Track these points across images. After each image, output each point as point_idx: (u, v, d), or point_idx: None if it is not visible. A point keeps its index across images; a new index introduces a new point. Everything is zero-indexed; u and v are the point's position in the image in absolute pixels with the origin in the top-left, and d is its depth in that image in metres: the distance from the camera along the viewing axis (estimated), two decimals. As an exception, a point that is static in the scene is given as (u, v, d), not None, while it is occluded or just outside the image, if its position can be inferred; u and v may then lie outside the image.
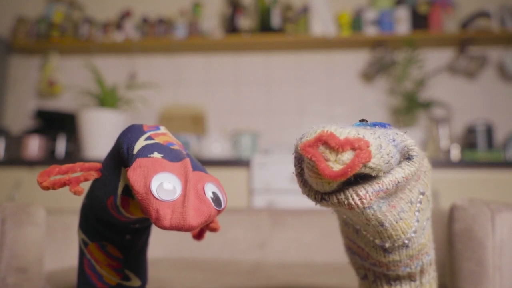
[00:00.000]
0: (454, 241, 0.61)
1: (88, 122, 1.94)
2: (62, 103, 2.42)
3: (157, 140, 0.44)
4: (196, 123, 2.24)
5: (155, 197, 0.37)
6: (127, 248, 0.53)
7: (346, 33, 2.19)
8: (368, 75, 2.24)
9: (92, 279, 0.52)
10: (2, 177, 1.86)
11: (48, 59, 2.39)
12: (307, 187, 0.40)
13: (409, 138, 0.39)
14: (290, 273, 0.84)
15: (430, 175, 0.47)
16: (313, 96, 2.32)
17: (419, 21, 2.17)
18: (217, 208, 0.39)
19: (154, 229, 1.09)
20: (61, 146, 2.12)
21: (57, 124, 2.21)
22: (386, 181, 0.37)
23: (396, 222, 0.41)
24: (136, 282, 0.54)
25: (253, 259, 1.07)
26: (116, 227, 0.51)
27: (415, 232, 0.43)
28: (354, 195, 0.36)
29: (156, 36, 2.30)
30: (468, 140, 2.03)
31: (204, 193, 0.39)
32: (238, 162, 1.78)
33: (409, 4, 2.21)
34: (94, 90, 2.14)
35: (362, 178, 0.38)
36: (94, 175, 0.45)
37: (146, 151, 0.41)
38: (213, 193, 0.40)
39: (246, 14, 2.27)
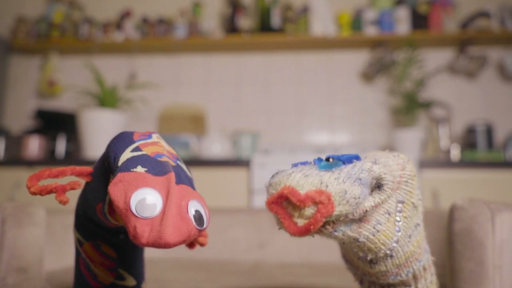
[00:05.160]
0: (454, 241, 0.61)
1: (88, 122, 1.94)
2: (62, 103, 2.42)
3: (145, 151, 0.43)
4: (196, 123, 2.24)
5: (133, 214, 0.37)
6: (121, 247, 0.53)
7: (346, 33, 2.19)
8: (368, 75, 2.24)
9: (87, 278, 0.52)
10: (2, 177, 1.86)
11: (48, 59, 2.39)
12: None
13: (377, 168, 0.39)
14: (290, 273, 0.84)
15: (416, 182, 0.46)
16: (313, 96, 2.32)
17: (419, 21, 2.17)
18: (198, 228, 0.38)
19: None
20: (61, 146, 2.12)
21: (57, 124, 2.21)
22: (355, 212, 0.38)
23: (373, 235, 0.41)
24: (130, 281, 0.54)
25: (253, 259, 1.07)
26: (109, 228, 0.51)
27: (397, 242, 0.43)
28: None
29: (156, 36, 2.30)
30: (468, 140, 2.03)
31: (187, 210, 0.38)
32: (238, 162, 1.78)
33: (409, 4, 2.21)
34: (94, 90, 2.14)
35: None
36: (80, 184, 0.44)
37: (129, 164, 0.40)
38: (196, 211, 0.39)
39: (246, 14, 2.27)
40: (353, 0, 2.36)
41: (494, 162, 1.69)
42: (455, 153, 2.04)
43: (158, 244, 0.36)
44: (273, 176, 0.39)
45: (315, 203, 0.34)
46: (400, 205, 0.44)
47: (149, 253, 1.07)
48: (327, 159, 0.40)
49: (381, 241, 0.42)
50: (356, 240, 0.41)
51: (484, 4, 2.25)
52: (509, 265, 0.57)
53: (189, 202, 0.39)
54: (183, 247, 1.09)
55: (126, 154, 0.42)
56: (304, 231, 0.34)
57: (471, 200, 0.61)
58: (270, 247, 1.08)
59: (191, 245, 0.54)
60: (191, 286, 0.71)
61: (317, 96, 2.31)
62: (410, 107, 2.03)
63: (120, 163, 0.41)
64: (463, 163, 1.70)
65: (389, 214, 0.42)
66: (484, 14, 2.10)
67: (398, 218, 0.43)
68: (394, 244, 0.43)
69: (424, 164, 1.71)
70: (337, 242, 0.46)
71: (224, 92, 2.37)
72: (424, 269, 0.48)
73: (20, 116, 2.44)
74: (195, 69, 2.40)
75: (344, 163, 0.39)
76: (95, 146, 1.94)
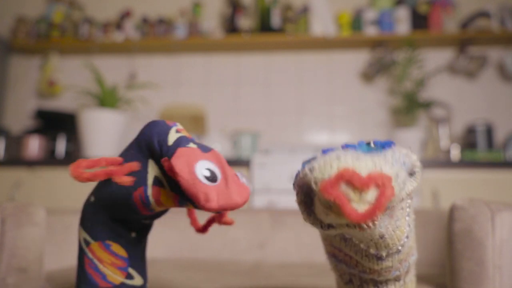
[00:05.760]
0: (454, 241, 0.61)
1: (88, 122, 1.94)
2: (62, 103, 2.42)
3: (183, 134, 0.47)
4: (196, 123, 2.24)
5: (201, 182, 0.41)
6: (132, 246, 0.53)
7: (346, 33, 2.19)
8: (368, 75, 2.24)
9: (94, 279, 0.52)
10: (2, 177, 1.86)
11: (48, 59, 2.39)
12: (311, 216, 0.39)
13: (413, 154, 0.39)
14: (290, 273, 0.84)
15: (420, 176, 0.46)
16: (313, 96, 2.32)
17: (419, 21, 2.17)
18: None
19: (155, 230, 1.09)
20: (61, 146, 2.12)
21: (57, 124, 2.21)
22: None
23: (394, 232, 0.40)
24: (138, 280, 0.54)
25: (253, 259, 1.07)
26: (126, 224, 0.51)
27: (407, 237, 0.43)
28: None
29: (156, 36, 2.30)
30: (468, 140, 2.03)
31: (238, 178, 0.45)
32: (238, 162, 1.78)
33: (409, 4, 2.21)
34: (94, 90, 2.14)
35: None
36: (136, 166, 0.48)
37: (183, 141, 0.45)
38: (245, 178, 0.46)
39: (246, 14, 2.27)
40: (353, 0, 2.36)
41: (494, 162, 1.69)
42: (455, 153, 2.04)
43: (228, 206, 0.41)
44: (310, 161, 0.36)
45: (377, 186, 0.32)
46: (409, 201, 0.43)
47: (149, 253, 1.07)
48: (368, 144, 0.38)
49: (397, 237, 0.41)
50: (381, 236, 0.39)
51: (484, 4, 2.25)
52: (509, 265, 0.57)
53: (236, 172, 0.45)
54: (183, 246, 1.09)
55: (173, 135, 0.46)
56: (369, 216, 0.31)
57: (471, 200, 0.61)
58: (270, 247, 1.08)
59: (204, 229, 0.59)
60: (191, 286, 0.71)
61: (317, 96, 2.31)
62: (410, 107, 2.03)
63: (171, 142, 0.45)
64: (463, 163, 1.70)
65: (402, 210, 0.41)
66: (484, 14, 2.10)
67: (407, 213, 0.42)
68: (405, 239, 0.42)
69: (424, 164, 1.71)
70: (360, 239, 0.44)
71: (224, 92, 2.37)
72: (414, 262, 0.48)
73: (20, 116, 2.44)
74: (195, 69, 2.40)
75: (383, 147, 0.38)
76: (95, 146, 1.94)
